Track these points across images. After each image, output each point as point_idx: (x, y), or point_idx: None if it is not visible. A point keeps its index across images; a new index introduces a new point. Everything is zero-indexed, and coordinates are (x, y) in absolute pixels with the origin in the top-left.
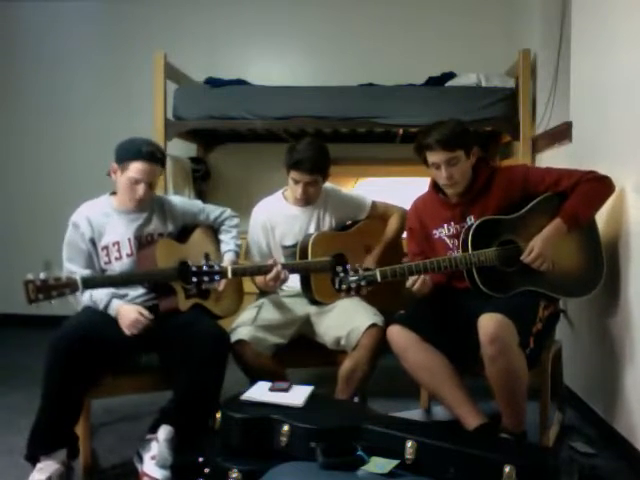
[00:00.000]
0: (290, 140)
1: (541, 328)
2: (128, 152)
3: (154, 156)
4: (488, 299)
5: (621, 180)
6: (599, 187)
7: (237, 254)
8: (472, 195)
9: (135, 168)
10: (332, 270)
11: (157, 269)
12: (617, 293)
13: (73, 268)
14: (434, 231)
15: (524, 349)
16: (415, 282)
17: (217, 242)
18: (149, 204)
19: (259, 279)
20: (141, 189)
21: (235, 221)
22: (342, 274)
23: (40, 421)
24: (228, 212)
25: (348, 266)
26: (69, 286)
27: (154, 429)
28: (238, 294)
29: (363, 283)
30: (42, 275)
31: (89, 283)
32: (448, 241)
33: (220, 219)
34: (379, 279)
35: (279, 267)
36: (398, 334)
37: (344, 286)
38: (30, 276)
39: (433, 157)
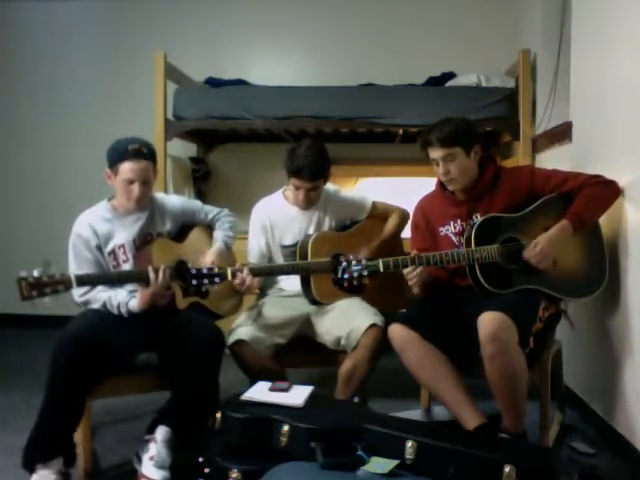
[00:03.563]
0: (290, 140)
1: (541, 328)
2: (116, 155)
3: (141, 152)
4: (489, 296)
5: (621, 180)
6: (606, 191)
7: (227, 244)
8: (478, 193)
9: (125, 169)
10: (332, 269)
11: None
12: (616, 293)
13: None
14: (440, 228)
15: (524, 348)
16: (412, 271)
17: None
18: (149, 203)
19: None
20: (136, 188)
21: (230, 218)
22: (345, 263)
23: (40, 427)
24: (225, 211)
25: (351, 256)
26: (63, 283)
27: (152, 430)
28: (238, 294)
29: (365, 273)
30: (35, 272)
31: (83, 280)
32: (454, 238)
33: (217, 217)
34: (381, 269)
35: (244, 274)
36: (399, 332)
37: (347, 275)
38: (23, 273)
39: (432, 153)
